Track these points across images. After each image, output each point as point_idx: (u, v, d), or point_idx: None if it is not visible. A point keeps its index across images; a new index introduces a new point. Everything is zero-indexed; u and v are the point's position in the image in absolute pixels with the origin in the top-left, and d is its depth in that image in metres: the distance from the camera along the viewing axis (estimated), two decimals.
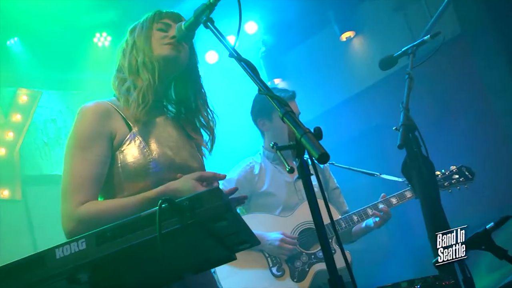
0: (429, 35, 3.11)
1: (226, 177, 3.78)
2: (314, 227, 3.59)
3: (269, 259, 3.64)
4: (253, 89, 1.87)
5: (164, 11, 2.42)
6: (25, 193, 6.28)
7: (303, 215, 3.73)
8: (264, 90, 1.77)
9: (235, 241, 1.69)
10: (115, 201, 2.13)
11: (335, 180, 4.06)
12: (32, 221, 6.18)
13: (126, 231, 1.50)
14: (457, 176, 3.74)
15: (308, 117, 5.68)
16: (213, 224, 1.52)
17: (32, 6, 5.60)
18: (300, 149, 1.62)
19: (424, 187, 2.57)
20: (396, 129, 2.65)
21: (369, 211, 3.72)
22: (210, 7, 2.06)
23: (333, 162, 4.07)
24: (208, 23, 2.04)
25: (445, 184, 3.73)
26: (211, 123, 2.45)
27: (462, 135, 5.63)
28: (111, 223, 1.56)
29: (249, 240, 1.71)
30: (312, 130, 1.60)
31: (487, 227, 2.07)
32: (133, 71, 2.32)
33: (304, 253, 3.64)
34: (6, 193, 6.16)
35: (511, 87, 5.42)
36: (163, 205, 1.47)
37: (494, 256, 2.05)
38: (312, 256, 3.63)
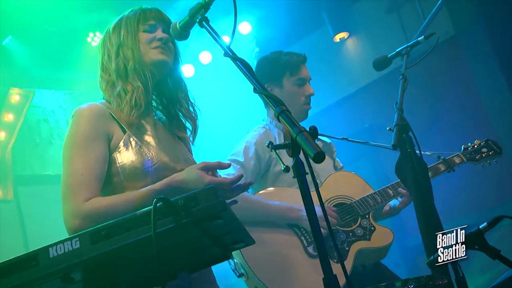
0: (423, 36, 3.12)
1: (240, 147, 3.53)
2: (347, 202, 3.37)
3: (302, 238, 3.23)
4: (247, 89, 1.86)
5: (148, 10, 2.41)
6: (17, 193, 6.26)
7: (332, 188, 3.43)
8: (260, 89, 1.77)
9: (230, 240, 1.69)
10: (121, 195, 2.12)
11: (339, 160, 3.84)
12: (24, 221, 6.16)
13: (121, 230, 1.49)
14: (485, 150, 3.60)
15: None
16: (208, 223, 1.51)
17: (25, 5, 5.57)
18: (295, 148, 1.62)
19: (418, 187, 2.58)
20: (390, 129, 2.66)
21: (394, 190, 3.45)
22: (205, 6, 2.06)
23: (347, 138, 3.86)
24: (204, 22, 2.04)
25: (476, 157, 3.59)
26: (192, 114, 2.47)
27: (454, 135, 5.65)
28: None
29: (244, 239, 1.71)
30: (307, 129, 1.61)
31: (480, 227, 2.08)
32: (121, 76, 2.32)
33: (341, 231, 3.27)
34: None
35: (502, 88, 5.45)
36: (158, 204, 1.47)
37: (485, 257, 2.05)
38: (351, 234, 3.28)
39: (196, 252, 1.75)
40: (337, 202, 3.41)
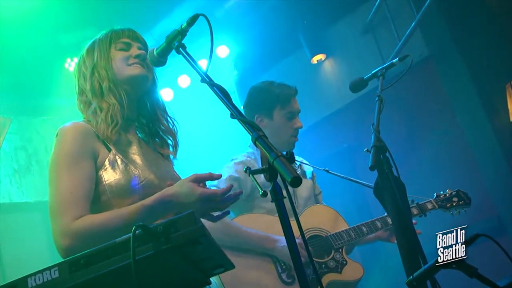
0: (397, 58, 3.17)
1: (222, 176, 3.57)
2: (322, 234, 3.49)
3: (277, 264, 3.34)
4: (227, 113, 1.88)
5: (119, 29, 2.43)
6: None
7: (310, 221, 3.53)
8: (237, 115, 1.79)
9: (210, 265, 1.68)
10: (112, 212, 2.08)
11: (318, 185, 3.91)
12: (1, 249, 6.06)
13: (100, 258, 1.49)
14: (456, 199, 3.77)
15: None
16: (188, 249, 1.51)
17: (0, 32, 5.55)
18: (272, 172, 1.64)
19: (396, 207, 2.60)
20: (367, 150, 2.69)
21: (378, 224, 3.60)
22: (182, 33, 2.09)
23: (327, 169, 3.89)
24: (180, 49, 2.06)
25: (447, 205, 3.75)
26: (172, 129, 2.48)
27: (431, 154, 5.73)
28: (110, 236, 1.55)
29: (224, 264, 1.71)
30: (284, 154, 1.63)
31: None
32: (96, 95, 2.32)
33: (314, 261, 3.37)
34: None
35: (475, 105, 5.54)
36: (137, 231, 1.47)
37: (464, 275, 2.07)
38: (323, 266, 3.40)
39: (177, 278, 1.74)
40: (313, 234, 3.53)
